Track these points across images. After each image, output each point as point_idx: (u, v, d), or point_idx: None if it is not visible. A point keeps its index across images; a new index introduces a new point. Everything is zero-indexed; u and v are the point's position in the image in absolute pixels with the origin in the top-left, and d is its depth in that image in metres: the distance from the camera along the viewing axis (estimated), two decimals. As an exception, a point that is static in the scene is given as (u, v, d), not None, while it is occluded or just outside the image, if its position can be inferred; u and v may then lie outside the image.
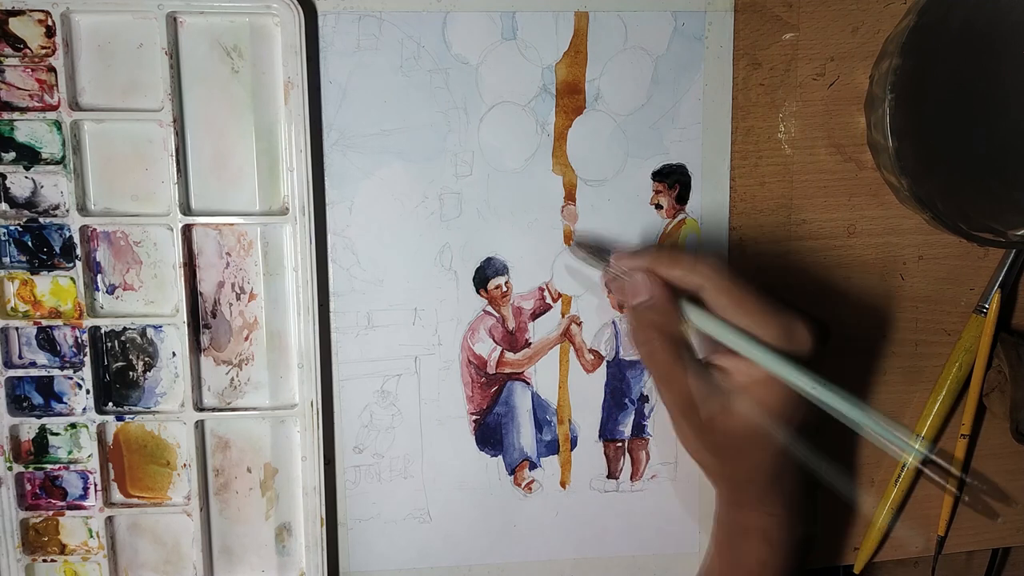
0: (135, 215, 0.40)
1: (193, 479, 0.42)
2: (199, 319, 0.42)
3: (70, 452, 0.42)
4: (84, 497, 0.42)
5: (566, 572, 0.46)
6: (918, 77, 0.39)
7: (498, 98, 0.41)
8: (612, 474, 0.45)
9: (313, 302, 0.41)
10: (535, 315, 0.44)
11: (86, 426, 0.42)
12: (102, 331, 0.41)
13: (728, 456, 0.37)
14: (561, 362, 0.44)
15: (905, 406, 0.47)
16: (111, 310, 0.41)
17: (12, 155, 0.39)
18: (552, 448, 0.45)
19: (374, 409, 0.43)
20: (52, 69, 0.39)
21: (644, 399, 0.45)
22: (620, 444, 0.45)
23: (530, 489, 0.45)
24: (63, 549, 0.43)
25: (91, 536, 0.43)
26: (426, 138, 0.41)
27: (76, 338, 0.41)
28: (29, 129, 0.39)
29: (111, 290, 0.41)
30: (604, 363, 0.44)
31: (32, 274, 0.40)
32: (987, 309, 0.45)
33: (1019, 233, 0.41)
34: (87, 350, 0.41)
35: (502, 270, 0.43)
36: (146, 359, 0.42)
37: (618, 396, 0.45)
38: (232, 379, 0.42)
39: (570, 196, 0.43)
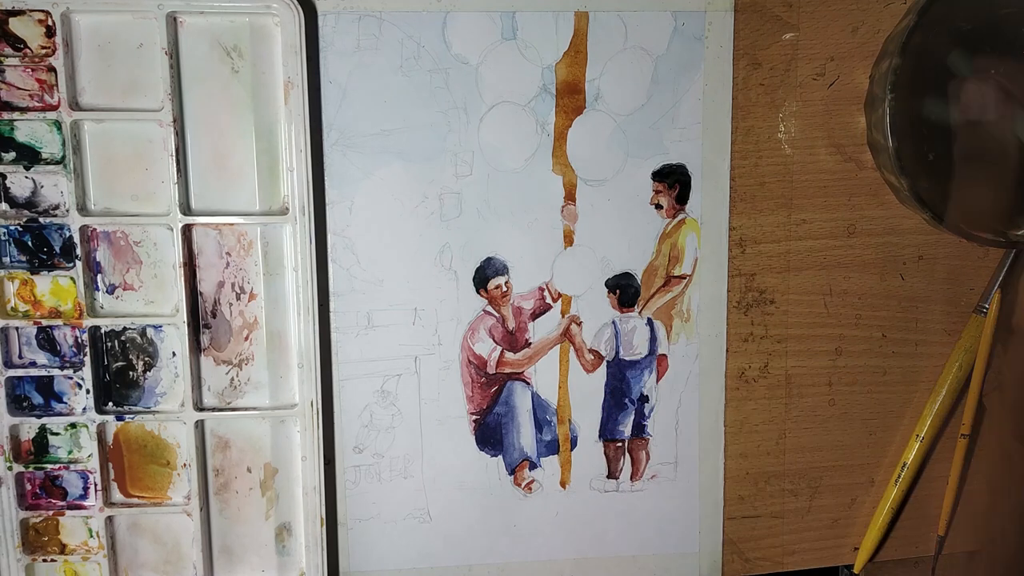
0: (135, 215, 0.40)
1: (193, 479, 0.42)
2: (199, 319, 0.42)
3: (70, 452, 0.42)
4: (84, 497, 0.42)
5: (566, 572, 0.46)
6: (918, 77, 0.39)
7: (498, 98, 0.41)
8: (612, 474, 0.45)
9: (313, 302, 0.41)
10: (535, 315, 0.44)
11: (86, 426, 0.42)
12: (102, 331, 0.41)
13: None
14: (561, 362, 0.44)
15: (905, 406, 0.47)
16: (111, 310, 0.41)
17: (12, 155, 0.39)
18: (552, 448, 0.45)
19: (374, 409, 0.43)
20: (52, 69, 0.39)
21: (644, 399, 0.45)
22: (620, 444, 0.45)
23: (530, 489, 0.45)
24: (63, 549, 0.43)
25: (91, 536, 0.43)
26: (426, 138, 0.41)
27: (76, 338, 0.41)
28: (29, 129, 0.39)
29: (111, 290, 0.41)
30: (604, 363, 0.44)
31: (32, 274, 0.40)
32: (987, 309, 0.45)
33: (1019, 233, 0.41)
34: (87, 350, 0.41)
35: (502, 270, 0.43)
36: (146, 359, 0.42)
37: (618, 396, 0.45)
38: (232, 379, 0.42)
39: (570, 196, 0.43)
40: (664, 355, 0.44)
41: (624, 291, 0.44)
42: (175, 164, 0.40)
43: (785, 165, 0.44)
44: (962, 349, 0.45)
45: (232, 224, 0.41)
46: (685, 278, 0.44)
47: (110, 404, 0.42)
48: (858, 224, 0.44)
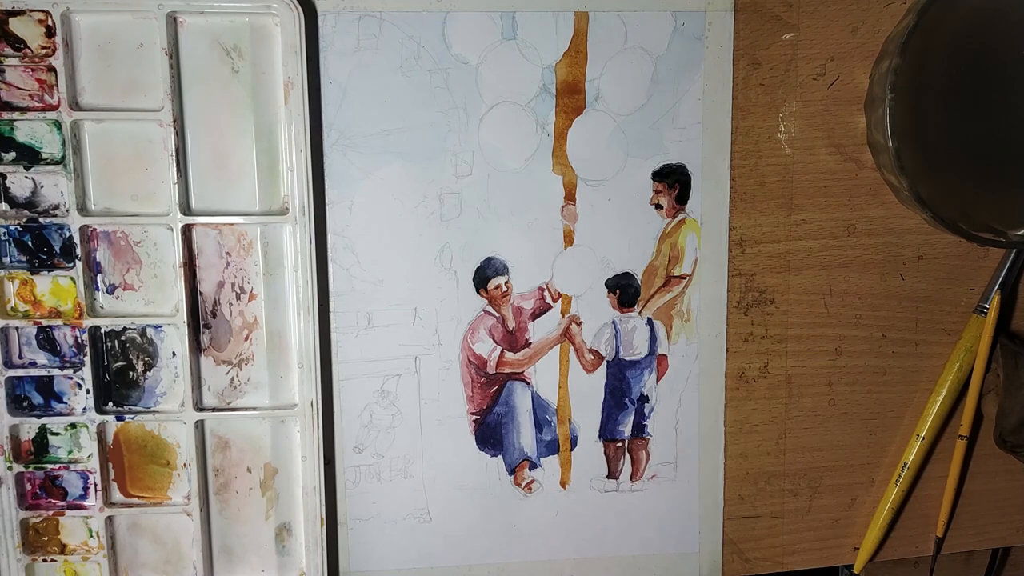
0: (135, 215, 0.40)
1: (193, 479, 0.42)
2: (199, 319, 0.42)
3: (70, 452, 0.42)
4: (84, 497, 0.42)
5: (566, 572, 0.46)
6: (918, 77, 0.39)
7: (498, 98, 0.41)
8: (612, 474, 0.45)
9: (313, 302, 0.41)
10: (535, 315, 0.44)
11: (86, 426, 0.42)
12: (102, 331, 0.41)
13: None
14: (561, 362, 0.44)
15: (905, 406, 0.47)
16: (111, 310, 0.41)
17: (12, 155, 0.39)
18: (552, 448, 0.45)
19: (374, 409, 0.43)
20: (52, 69, 0.39)
21: (644, 399, 0.45)
22: (620, 444, 0.45)
23: (530, 489, 0.45)
24: (63, 549, 0.43)
25: (91, 536, 0.43)
26: (426, 138, 0.41)
27: (76, 338, 0.41)
28: (29, 129, 0.39)
29: (111, 290, 0.41)
30: (604, 363, 0.44)
31: (32, 274, 0.40)
32: (987, 309, 0.45)
33: (1019, 233, 0.41)
34: (87, 350, 0.41)
35: (502, 270, 0.43)
36: (146, 359, 0.42)
37: (618, 396, 0.45)
38: (232, 379, 0.42)
39: (570, 196, 0.43)
40: (664, 355, 0.44)
41: (624, 291, 0.44)
42: (175, 164, 0.40)
43: (785, 165, 0.44)
44: (962, 349, 0.45)
45: (232, 224, 0.41)
46: (685, 278, 0.44)
47: (110, 404, 0.42)
48: (858, 224, 0.44)
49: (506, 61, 0.41)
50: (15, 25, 0.38)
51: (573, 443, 0.45)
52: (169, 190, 0.40)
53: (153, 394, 0.42)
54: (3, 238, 0.40)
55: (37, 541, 0.43)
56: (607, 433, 0.45)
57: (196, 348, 0.42)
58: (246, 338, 0.42)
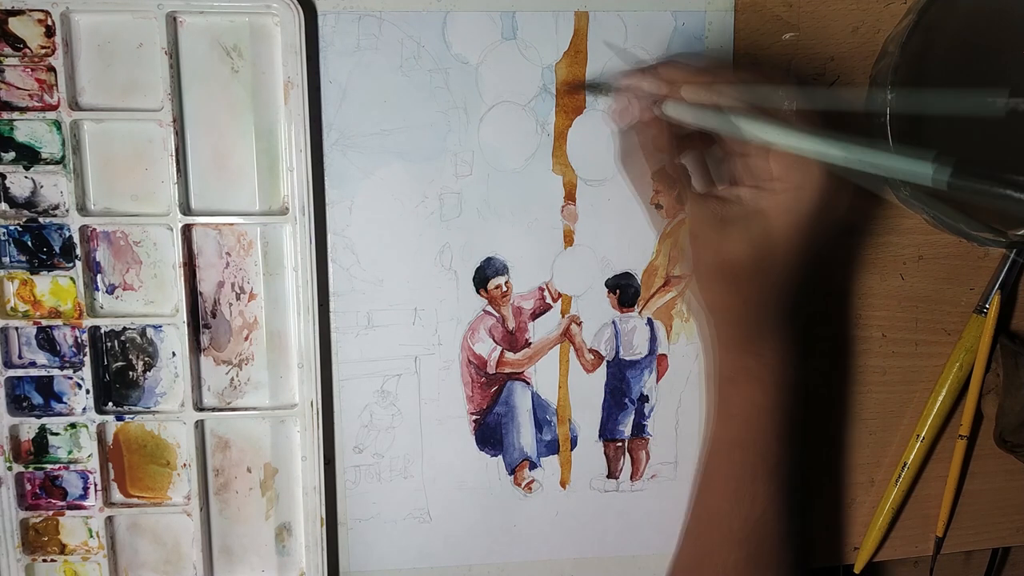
0: (135, 215, 0.40)
1: (193, 479, 0.42)
2: (199, 319, 0.42)
3: (70, 452, 0.42)
4: (84, 497, 0.42)
5: (566, 572, 0.46)
6: (918, 77, 0.39)
7: (498, 98, 0.41)
8: (612, 474, 0.45)
9: (313, 302, 0.41)
10: (535, 315, 0.44)
11: (86, 426, 0.41)
12: (102, 331, 0.41)
13: (728, 287, 0.36)
14: (561, 362, 0.44)
15: (905, 406, 0.47)
16: (111, 310, 0.41)
17: (12, 155, 0.39)
18: (552, 448, 0.45)
19: (374, 409, 0.43)
20: (52, 69, 0.39)
21: (644, 399, 0.45)
22: (620, 444, 0.45)
23: (530, 489, 0.45)
24: (63, 549, 0.43)
25: (91, 536, 0.43)
26: (426, 138, 0.41)
27: (76, 338, 0.41)
28: (29, 129, 0.39)
29: (111, 290, 0.41)
30: (604, 363, 0.44)
31: (32, 274, 0.40)
32: (987, 309, 0.45)
33: (1019, 233, 0.41)
34: (87, 350, 0.41)
35: (502, 270, 0.43)
36: (146, 359, 0.42)
37: (618, 396, 0.45)
38: (232, 379, 0.42)
39: (570, 196, 0.43)
40: (664, 355, 0.44)
41: (624, 291, 0.44)
42: (175, 164, 0.40)
43: (785, 165, 0.43)
44: (962, 349, 0.45)
45: (232, 224, 0.41)
46: (685, 278, 0.44)
47: (110, 404, 0.42)
48: (858, 224, 0.44)
49: (506, 61, 0.41)
50: (15, 25, 0.38)
51: (573, 443, 0.45)
52: (169, 190, 0.40)
53: (153, 394, 0.42)
54: (3, 238, 0.40)
55: (37, 541, 0.43)
56: (607, 433, 0.45)
57: (196, 348, 0.42)
58: (246, 338, 0.42)
